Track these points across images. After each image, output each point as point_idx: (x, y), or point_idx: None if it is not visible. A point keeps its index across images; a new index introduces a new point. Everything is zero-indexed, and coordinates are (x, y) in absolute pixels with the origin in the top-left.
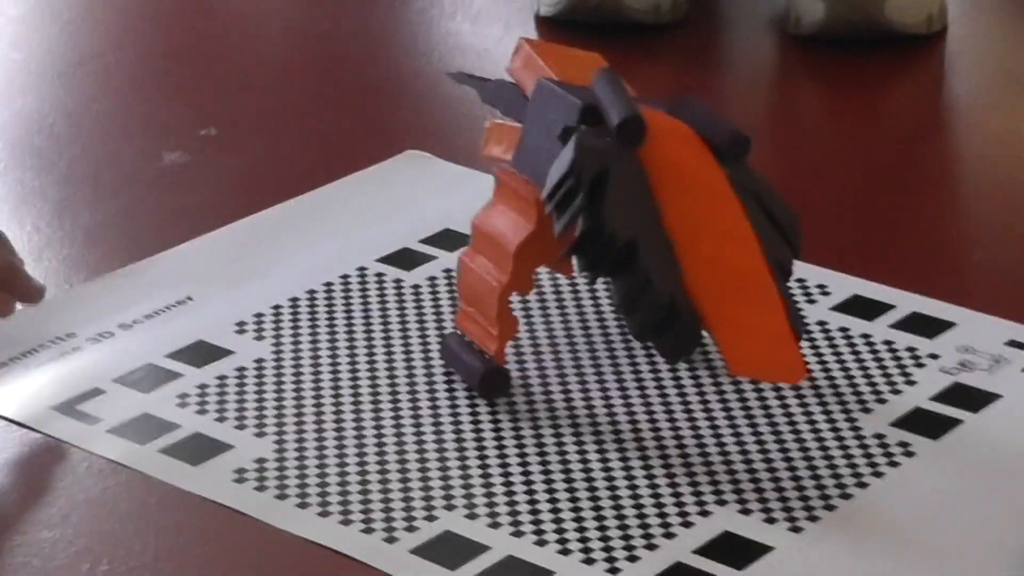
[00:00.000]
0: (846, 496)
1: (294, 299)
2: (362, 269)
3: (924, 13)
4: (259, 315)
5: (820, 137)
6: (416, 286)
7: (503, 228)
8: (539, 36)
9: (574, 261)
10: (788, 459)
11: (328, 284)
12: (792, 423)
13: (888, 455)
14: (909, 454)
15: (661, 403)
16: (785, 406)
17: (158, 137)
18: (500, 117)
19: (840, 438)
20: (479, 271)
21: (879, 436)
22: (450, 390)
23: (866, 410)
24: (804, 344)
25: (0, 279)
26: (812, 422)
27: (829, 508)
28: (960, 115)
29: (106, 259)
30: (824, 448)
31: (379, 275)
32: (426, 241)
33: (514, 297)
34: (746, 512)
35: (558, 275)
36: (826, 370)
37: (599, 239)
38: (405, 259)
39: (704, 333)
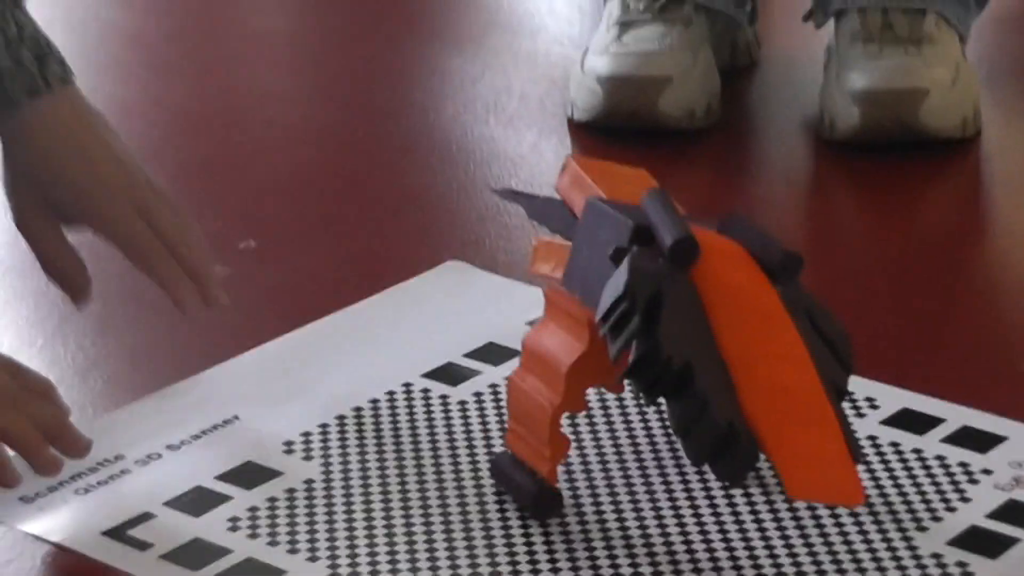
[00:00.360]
0: None
1: (341, 417)
2: (408, 385)
3: (959, 117)
4: (306, 434)
5: (857, 243)
6: (463, 402)
7: (554, 348)
8: (573, 141)
9: (628, 383)
10: None
11: (374, 401)
12: (848, 543)
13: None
14: (968, 574)
15: (715, 524)
16: (839, 525)
17: None
18: (547, 234)
19: (897, 558)
20: (530, 391)
21: (936, 556)
22: (501, 511)
23: (921, 528)
24: None
25: (50, 436)
26: (868, 541)
27: None
28: (998, 219)
29: (152, 377)
30: (882, 569)
31: (425, 391)
32: (470, 355)
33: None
34: None
35: (605, 392)
36: (879, 487)
37: (655, 363)
38: (450, 374)
39: (760, 456)
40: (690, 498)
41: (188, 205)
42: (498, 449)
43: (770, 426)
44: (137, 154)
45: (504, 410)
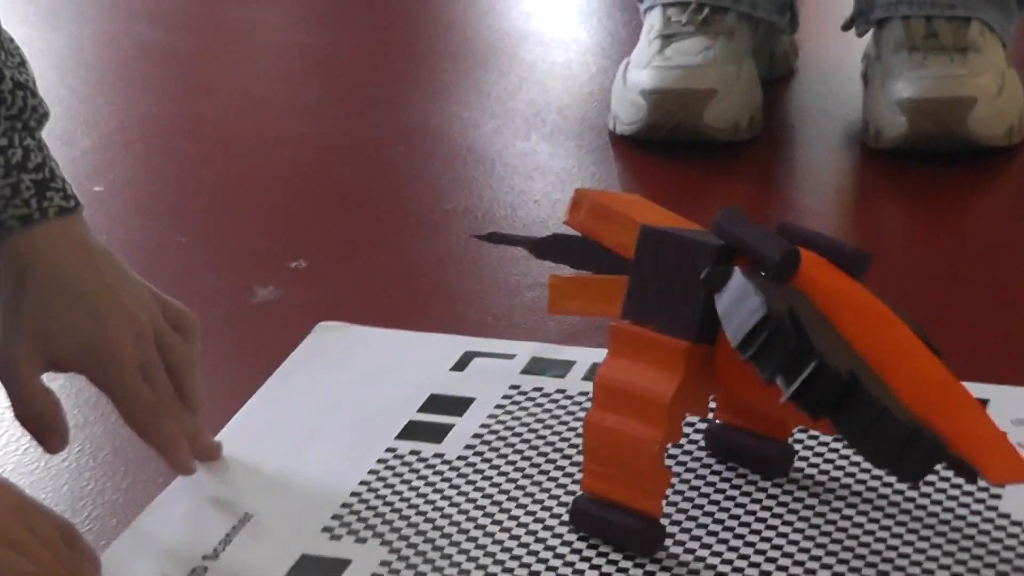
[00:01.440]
0: None
1: (357, 495)
2: (392, 450)
3: (1006, 125)
4: (338, 517)
5: (905, 252)
6: (463, 458)
7: (644, 382)
8: (616, 155)
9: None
10: None
11: (375, 472)
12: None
13: None
14: None
15: (817, 547)
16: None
17: (248, 270)
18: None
19: None
20: (620, 429)
21: None
22: (602, 554)
23: None
24: None
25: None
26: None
27: None
28: None
29: (209, 403)
30: None
31: (415, 452)
32: (425, 410)
33: None
34: None
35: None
36: None
37: (824, 377)
38: (425, 431)
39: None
40: (776, 515)
41: (232, 224)
42: (543, 496)
43: (940, 419)
44: (145, 287)
45: (520, 457)
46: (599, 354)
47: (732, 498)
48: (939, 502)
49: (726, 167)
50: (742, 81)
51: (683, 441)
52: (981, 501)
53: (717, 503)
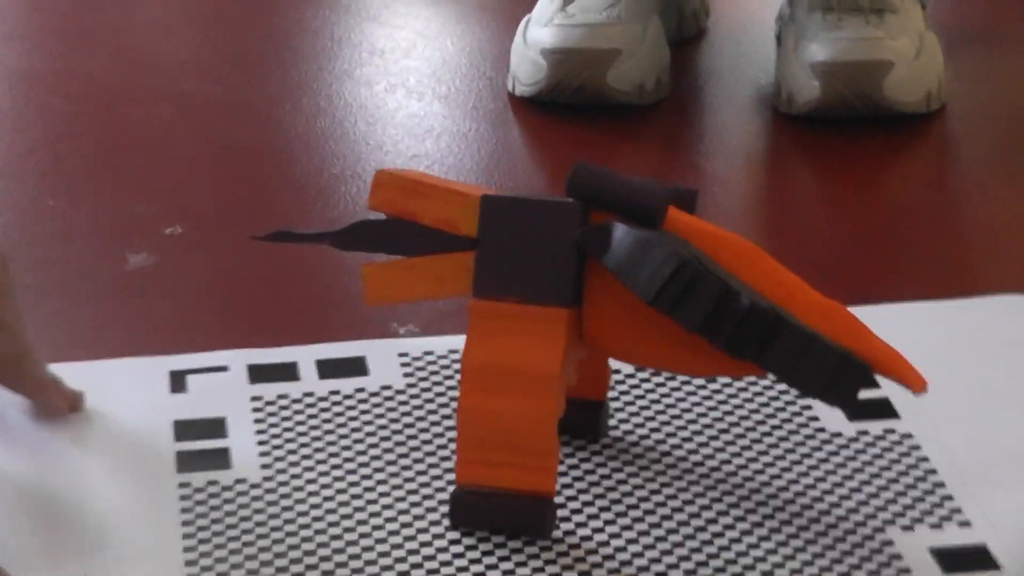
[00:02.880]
0: None
1: (190, 537)
2: (187, 484)
3: (923, 90)
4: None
5: (814, 220)
6: (269, 479)
7: (525, 357)
8: (514, 117)
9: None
10: None
11: (189, 511)
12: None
13: None
14: None
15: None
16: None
17: (121, 236)
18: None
19: None
20: (508, 411)
21: None
22: (490, 547)
23: None
24: None
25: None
26: None
27: None
28: (962, 196)
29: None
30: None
31: (213, 482)
32: (184, 438)
33: None
34: None
35: None
36: None
37: (753, 317)
38: (203, 460)
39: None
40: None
41: (105, 186)
42: (400, 501)
43: (848, 342)
44: None
45: (343, 468)
46: (321, 350)
47: (577, 467)
48: (763, 421)
49: (631, 131)
50: (648, 41)
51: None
52: (799, 415)
53: (579, 472)
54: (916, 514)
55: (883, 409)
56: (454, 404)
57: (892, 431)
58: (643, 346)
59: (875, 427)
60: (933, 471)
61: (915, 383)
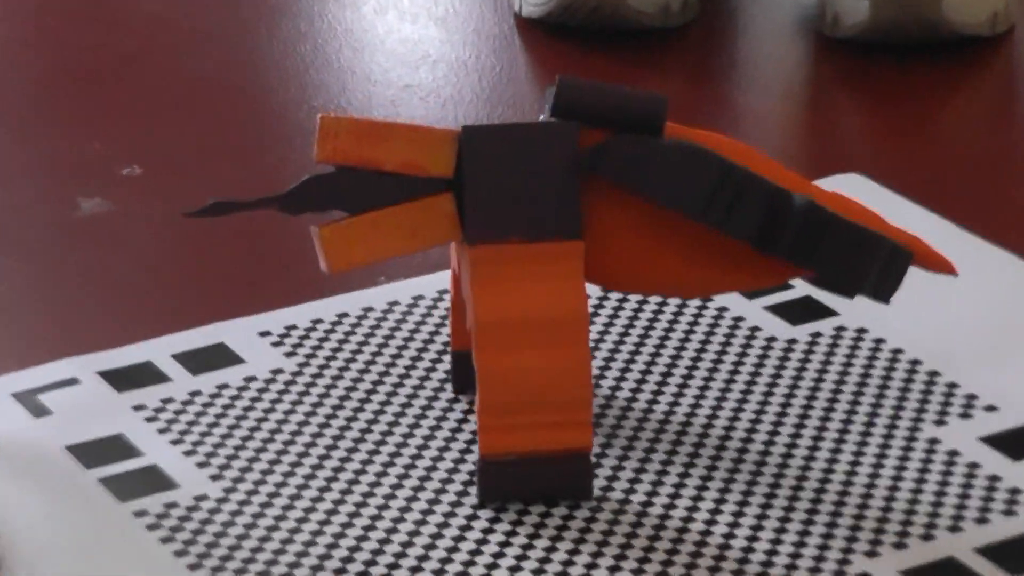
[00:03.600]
0: None
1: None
2: (142, 512)
3: (987, 11)
4: None
5: (862, 160)
6: (230, 491)
7: (544, 301)
8: (521, 43)
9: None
10: None
11: (154, 528)
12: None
13: None
14: None
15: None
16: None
17: (72, 178)
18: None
19: None
20: (537, 364)
21: None
22: (522, 514)
23: None
24: None
25: None
26: None
27: None
28: None
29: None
30: None
31: (170, 504)
32: (94, 464)
33: None
34: None
35: None
36: None
37: (811, 215)
38: (132, 483)
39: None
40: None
41: (54, 122)
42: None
43: (883, 231)
44: None
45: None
46: (172, 344)
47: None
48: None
49: (653, 59)
50: None
51: (417, 375)
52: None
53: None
54: (936, 408)
55: (818, 309)
56: (376, 370)
57: (843, 328)
58: (655, 270)
59: (823, 327)
60: (918, 361)
61: (946, 266)
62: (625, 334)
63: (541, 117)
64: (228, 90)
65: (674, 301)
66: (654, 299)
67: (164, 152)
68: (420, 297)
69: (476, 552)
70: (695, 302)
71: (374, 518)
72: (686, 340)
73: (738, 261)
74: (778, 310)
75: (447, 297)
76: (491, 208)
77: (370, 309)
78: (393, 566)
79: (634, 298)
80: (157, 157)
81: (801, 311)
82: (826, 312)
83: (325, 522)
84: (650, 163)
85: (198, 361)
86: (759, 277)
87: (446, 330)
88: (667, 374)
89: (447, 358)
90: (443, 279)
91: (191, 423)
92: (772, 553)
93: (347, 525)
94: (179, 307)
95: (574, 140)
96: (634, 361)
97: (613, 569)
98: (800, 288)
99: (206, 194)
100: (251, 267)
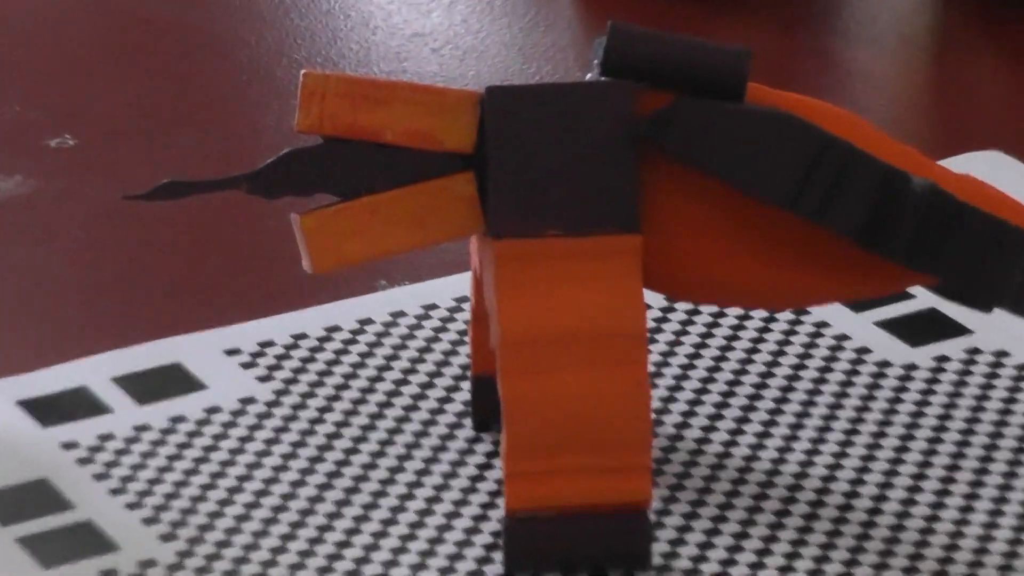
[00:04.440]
0: None
1: None
2: (111, 572)
3: None
4: None
5: (1003, 132)
6: (185, 555)
7: (591, 311)
8: None
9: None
10: None
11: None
12: None
13: None
14: None
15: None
16: None
17: None
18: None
19: None
20: (577, 391)
21: None
22: None
23: None
24: None
25: None
26: None
27: None
28: None
29: None
30: None
31: (148, 562)
32: (15, 520)
33: None
34: None
35: None
36: None
37: (933, 203)
38: (69, 540)
39: None
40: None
41: None
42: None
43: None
44: None
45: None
46: (113, 363)
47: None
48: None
49: (738, 5)
50: None
51: (427, 407)
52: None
53: None
54: None
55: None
56: (375, 400)
57: (978, 350)
58: (734, 274)
59: (951, 349)
60: None
61: None
62: (695, 356)
63: (588, 76)
64: (186, 39)
65: (758, 314)
66: (732, 311)
67: (103, 118)
68: (432, 306)
69: None
70: (785, 315)
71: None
72: (773, 364)
73: (840, 263)
74: (893, 327)
75: (467, 307)
76: (522, 192)
77: (368, 321)
78: None
79: (707, 309)
80: (94, 124)
81: (923, 328)
82: (955, 330)
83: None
84: (727, 135)
85: (146, 387)
86: (867, 284)
87: (465, 349)
88: (749, 407)
89: (466, 385)
90: (461, 283)
91: (136, 467)
92: None
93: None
94: (122, 317)
95: (629, 105)
96: (706, 391)
97: None
98: (921, 298)
99: (157, 173)
100: (214, 267)
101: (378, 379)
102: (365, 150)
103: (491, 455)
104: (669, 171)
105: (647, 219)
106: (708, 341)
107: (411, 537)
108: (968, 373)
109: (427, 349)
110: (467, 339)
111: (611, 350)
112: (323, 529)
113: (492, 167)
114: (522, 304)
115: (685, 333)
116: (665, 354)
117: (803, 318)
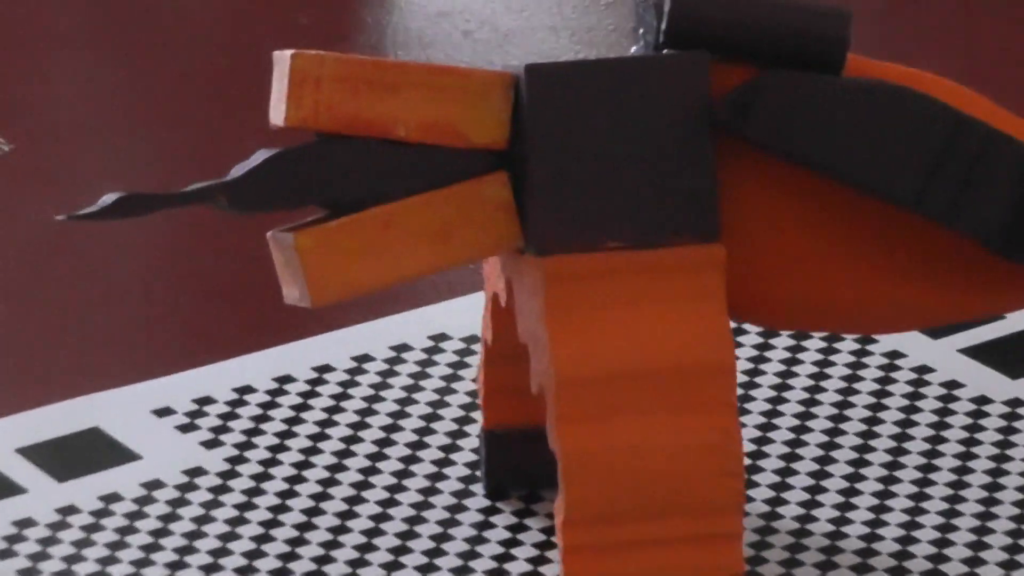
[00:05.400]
0: None
1: None
2: None
3: None
4: None
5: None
6: None
7: (663, 347)
8: None
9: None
10: None
11: None
12: None
13: None
14: None
15: None
16: None
17: None
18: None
19: None
20: (649, 441)
21: None
22: None
23: None
24: None
25: None
26: None
27: None
28: None
29: None
30: None
31: None
32: None
33: None
34: None
35: None
36: None
37: None
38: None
39: None
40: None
41: None
42: None
43: None
44: None
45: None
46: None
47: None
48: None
49: None
50: None
51: (425, 470)
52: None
53: None
54: None
55: None
56: (356, 465)
57: None
58: (830, 289)
59: None
60: None
61: None
62: (746, 397)
63: (632, 49)
64: (147, 19)
65: (814, 343)
66: (782, 337)
67: (46, 117)
68: (404, 347)
69: None
70: (847, 343)
71: None
72: (844, 405)
73: (968, 274)
74: (984, 354)
75: (454, 341)
76: (571, 195)
77: (367, 358)
78: None
79: (749, 338)
80: (36, 126)
81: (1022, 354)
82: None
83: None
84: (827, 117)
85: (64, 458)
86: (998, 299)
87: (458, 399)
88: (826, 459)
89: (465, 443)
90: (472, 310)
91: (71, 560)
92: None
93: None
94: (30, 368)
95: (703, 82)
96: (767, 439)
97: None
98: (1012, 320)
99: (105, 183)
100: (150, 302)
101: (354, 439)
102: (372, 149)
103: (516, 530)
104: (753, 164)
105: (726, 225)
106: (757, 379)
107: None
108: None
109: (408, 401)
110: (455, 385)
111: (692, 390)
112: None
113: (532, 165)
114: (578, 336)
115: (764, 360)
116: (746, 385)
117: (869, 347)
